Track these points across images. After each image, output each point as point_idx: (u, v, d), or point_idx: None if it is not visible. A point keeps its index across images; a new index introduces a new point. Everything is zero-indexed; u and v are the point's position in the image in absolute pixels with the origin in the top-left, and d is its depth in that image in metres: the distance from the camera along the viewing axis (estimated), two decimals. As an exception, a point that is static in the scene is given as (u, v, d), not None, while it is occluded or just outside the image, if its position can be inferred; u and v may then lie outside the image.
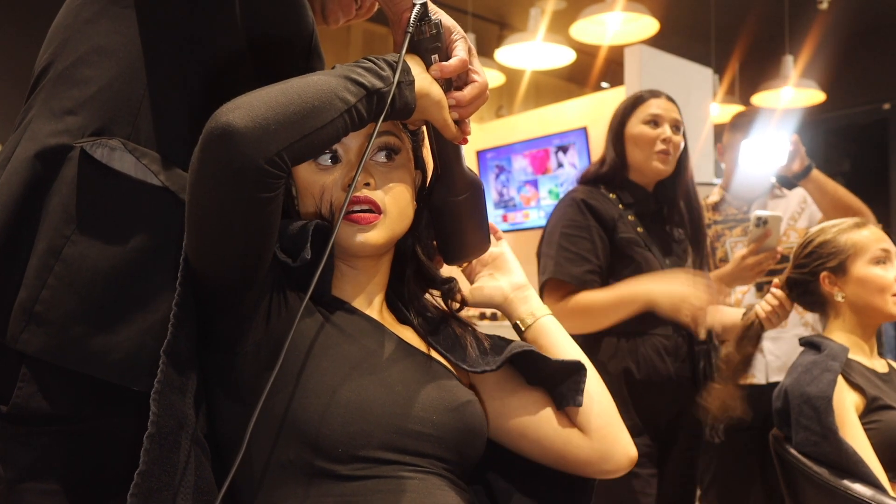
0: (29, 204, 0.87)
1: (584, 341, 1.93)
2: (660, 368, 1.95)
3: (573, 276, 1.91)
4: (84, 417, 0.87)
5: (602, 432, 1.00)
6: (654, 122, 2.02)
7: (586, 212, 1.97)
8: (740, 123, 2.58)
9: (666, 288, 1.84)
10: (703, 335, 2.02)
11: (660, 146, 2.00)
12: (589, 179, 2.09)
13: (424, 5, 0.95)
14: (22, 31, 2.81)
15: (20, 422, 0.85)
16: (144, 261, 0.88)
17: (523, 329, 1.07)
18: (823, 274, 1.76)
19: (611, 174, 2.05)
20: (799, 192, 2.57)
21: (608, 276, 1.96)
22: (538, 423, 1.01)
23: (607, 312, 1.90)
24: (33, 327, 0.84)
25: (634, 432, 1.88)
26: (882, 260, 1.73)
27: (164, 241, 0.90)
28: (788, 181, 2.44)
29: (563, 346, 1.05)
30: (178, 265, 0.87)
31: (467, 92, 0.97)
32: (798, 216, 2.55)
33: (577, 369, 0.99)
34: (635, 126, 2.03)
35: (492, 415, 1.03)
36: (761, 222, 2.10)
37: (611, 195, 2.03)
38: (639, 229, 2.01)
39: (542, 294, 2.01)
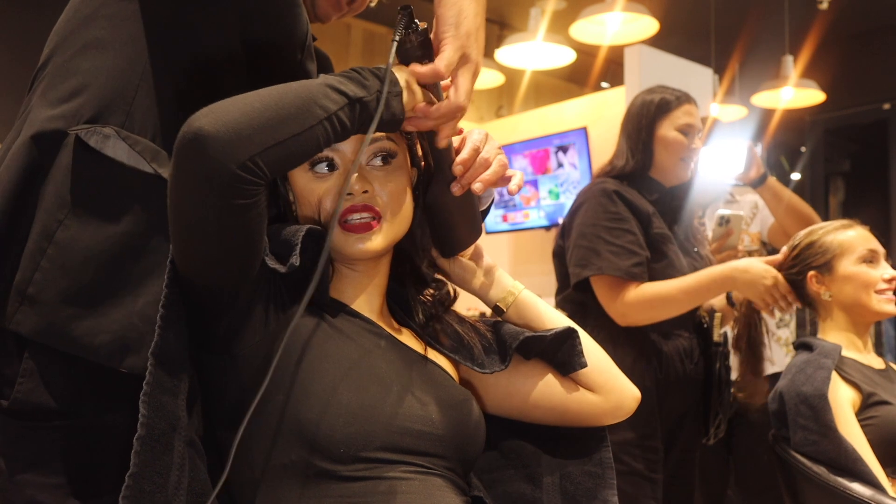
0: (27, 190, 0.89)
1: (608, 339, 1.93)
2: (677, 369, 1.95)
3: (624, 271, 1.89)
4: (84, 413, 0.88)
5: (609, 385, 1.05)
6: (687, 132, 2.02)
7: (623, 203, 1.95)
8: None
9: (750, 273, 1.85)
10: (717, 336, 2.03)
11: (686, 154, 2.03)
12: (613, 175, 2.06)
13: (409, 11, 0.92)
14: (24, 34, 2.82)
15: (21, 416, 0.86)
16: (134, 245, 0.90)
17: (508, 305, 1.08)
18: (810, 273, 1.79)
19: (638, 171, 2.04)
20: (751, 199, 2.63)
21: None
22: (549, 393, 1.04)
23: (690, 299, 1.90)
24: (26, 308, 0.85)
25: (652, 435, 1.89)
26: (869, 259, 1.75)
27: (155, 226, 0.91)
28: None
29: (548, 314, 1.08)
30: (167, 250, 0.89)
31: (434, 108, 0.93)
32: (750, 221, 2.62)
33: (570, 335, 1.02)
34: (669, 130, 2.02)
35: (500, 397, 1.05)
36: (724, 221, 2.15)
37: (634, 191, 2.02)
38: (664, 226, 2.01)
39: (577, 288, 1.99)
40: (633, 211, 1.96)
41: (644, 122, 2.06)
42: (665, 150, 2.03)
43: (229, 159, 0.78)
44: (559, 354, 1.04)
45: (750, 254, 2.56)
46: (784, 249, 1.89)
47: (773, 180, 2.41)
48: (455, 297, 1.11)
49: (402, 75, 0.93)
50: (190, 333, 0.88)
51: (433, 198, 1.04)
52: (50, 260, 0.87)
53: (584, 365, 1.03)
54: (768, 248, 2.65)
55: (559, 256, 2.10)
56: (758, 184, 2.41)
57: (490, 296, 1.10)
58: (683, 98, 2.06)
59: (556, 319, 1.08)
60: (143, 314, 0.89)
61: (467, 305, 1.15)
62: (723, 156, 2.43)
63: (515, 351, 1.01)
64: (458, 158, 0.98)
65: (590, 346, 1.06)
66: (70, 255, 0.87)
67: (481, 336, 1.05)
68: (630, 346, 1.93)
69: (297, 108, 0.83)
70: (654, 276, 1.94)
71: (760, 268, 1.84)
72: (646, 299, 1.89)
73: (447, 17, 0.90)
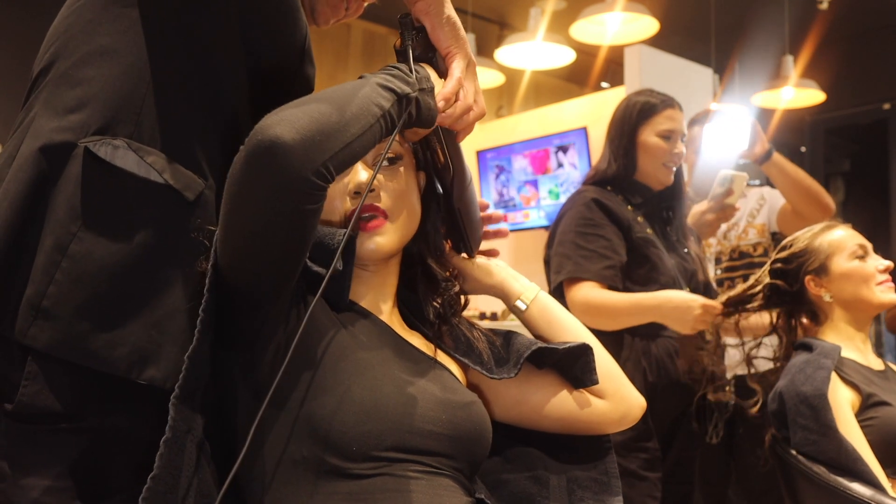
0: (35, 201, 0.88)
1: (600, 339, 1.93)
2: (669, 370, 1.95)
3: (593, 273, 1.91)
4: (88, 415, 0.88)
5: (618, 394, 1.07)
6: (669, 136, 2.03)
7: (599, 210, 1.97)
8: (700, 120, 2.62)
9: (673, 304, 1.85)
10: (709, 335, 2.03)
11: (668, 160, 2.03)
12: (596, 181, 2.08)
13: (409, 19, 0.98)
14: (20, 33, 2.82)
15: (25, 420, 0.86)
16: (149, 257, 0.89)
17: (526, 305, 1.09)
18: (808, 277, 1.80)
19: (620, 175, 2.05)
20: (756, 192, 2.62)
21: (624, 276, 1.96)
22: (560, 403, 1.05)
23: (620, 316, 1.91)
24: (41, 322, 0.84)
25: (645, 436, 1.90)
26: (860, 255, 1.78)
27: (168, 238, 0.91)
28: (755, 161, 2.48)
29: (565, 320, 1.10)
30: (181, 261, 0.89)
31: (450, 111, 0.99)
32: (756, 213, 2.60)
33: (584, 351, 1.04)
34: (650, 136, 2.03)
35: (509, 405, 1.06)
36: (726, 181, 2.16)
37: (618, 197, 2.03)
38: (648, 231, 2.01)
39: (554, 294, 2.00)
40: (611, 218, 1.97)
41: (626, 127, 2.06)
42: (647, 155, 2.04)
43: (306, 167, 0.79)
44: (573, 370, 1.06)
45: (754, 247, 2.56)
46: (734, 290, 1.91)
47: (778, 156, 2.40)
48: (466, 303, 1.12)
49: (432, 73, 0.97)
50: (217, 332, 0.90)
51: (458, 200, 1.06)
52: (64, 273, 0.86)
53: (596, 382, 1.04)
54: (778, 238, 2.66)
55: (547, 265, 2.12)
56: (763, 160, 2.40)
57: (511, 291, 1.11)
58: (667, 102, 2.06)
59: (573, 324, 1.10)
60: (161, 326, 0.89)
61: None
62: (727, 133, 2.42)
63: (527, 360, 1.02)
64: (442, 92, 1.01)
65: (601, 355, 1.07)
66: (85, 268, 0.86)
67: (491, 344, 1.06)
68: (617, 349, 1.94)
69: (359, 109, 0.85)
70: (638, 281, 1.96)
71: (685, 297, 1.85)
72: (585, 302, 1.90)
73: (445, 33, 0.99)
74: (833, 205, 2.43)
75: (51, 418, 0.86)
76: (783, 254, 1.87)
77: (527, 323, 1.11)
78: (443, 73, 1.00)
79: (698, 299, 1.84)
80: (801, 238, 1.86)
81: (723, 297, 1.90)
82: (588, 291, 1.91)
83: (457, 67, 0.98)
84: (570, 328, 1.09)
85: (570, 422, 1.06)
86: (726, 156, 2.47)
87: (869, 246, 1.82)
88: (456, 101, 0.99)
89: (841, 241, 1.80)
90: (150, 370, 0.88)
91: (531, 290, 1.11)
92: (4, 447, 0.86)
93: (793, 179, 2.39)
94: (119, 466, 0.89)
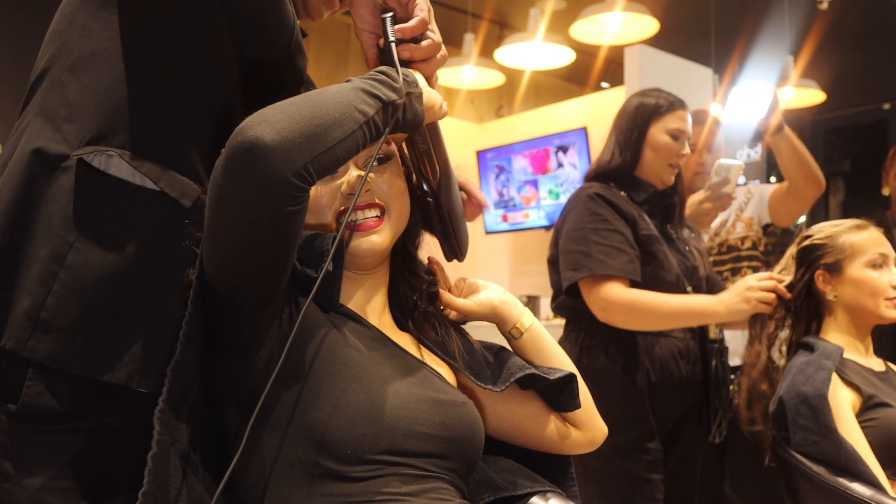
0: (26, 209, 0.88)
1: (600, 343, 1.95)
2: (673, 371, 1.94)
3: (616, 269, 1.89)
4: (91, 416, 0.88)
5: (590, 424, 1.14)
6: (678, 136, 2.03)
7: (607, 206, 1.96)
8: (695, 119, 2.66)
9: (719, 300, 1.87)
10: (713, 334, 2.03)
11: (675, 160, 2.04)
12: (598, 174, 2.08)
13: (393, 16, 1.00)
14: (21, 36, 2.82)
15: (29, 420, 0.86)
16: (147, 265, 0.89)
17: (521, 334, 1.13)
18: (819, 271, 1.77)
19: (624, 169, 2.05)
20: (743, 188, 2.67)
21: None
22: (540, 425, 1.11)
23: (670, 320, 1.93)
24: (40, 334, 0.84)
25: (648, 437, 1.89)
26: (878, 264, 1.73)
27: (165, 246, 0.91)
28: (761, 136, 2.54)
29: (554, 350, 1.15)
30: (179, 268, 0.88)
31: (423, 46, 1.01)
32: (745, 206, 2.63)
33: (571, 380, 1.09)
34: (660, 134, 2.03)
35: (493, 418, 1.10)
36: (723, 170, 2.22)
37: (621, 193, 2.03)
38: (652, 228, 2.01)
39: (565, 292, 1.99)
40: (619, 214, 1.97)
41: (638, 119, 2.06)
42: (654, 153, 2.04)
43: (286, 168, 0.79)
44: (559, 396, 1.10)
45: (742, 240, 2.58)
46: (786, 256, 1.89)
47: (789, 130, 2.44)
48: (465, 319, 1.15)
49: (419, 76, 0.97)
50: (206, 342, 0.89)
51: (445, 200, 1.08)
52: (63, 284, 0.85)
53: (579, 406, 1.10)
54: (771, 231, 2.67)
55: (553, 264, 2.10)
56: (777, 130, 2.43)
57: (509, 319, 1.13)
58: (677, 104, 2.08)
59: (559, 354, 1.14)
60: (159, 335, 0.89)
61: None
62: (748, 100, 2.46)
63: (516, 381, 1.05)
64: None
65: (580, 387, 1.12)
66: (83, 279, 0.86)
67: (482, 355, 1.10)
68: (621, 349, 1.94)
69: (341, 114, 0.84)
70: (644, 278, 1.94)
71: (735, 289, 1.85)
72: (629, 301, 1.88)
73: None
74: (824, 181, 2.48)
75: (54, 418, 0.86)
76: (805, 243, 1.82)
77: (518, 349, 1.14)
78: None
79: (745, 280, 1.83)
80: (825, 229, 1.81)
81: (765, 274, 1.87)
82: (618, 290, 1.89)
83: (421, 9, 0.99)
84: (556, 358, 1.13)
85: (545, 441, 1.11)
86: (747, 123, 2.51)
87: (891, 255, 1.76)
88: (423, 38, 1.00)
89: (863, 244, 1.75)
90: (151, 379, 0.88)
91: (527, 319, 1.14)
92: (8, 447, 0.86)
93: (799, 154, 2.43)
94: (122, 466, 0.89)
